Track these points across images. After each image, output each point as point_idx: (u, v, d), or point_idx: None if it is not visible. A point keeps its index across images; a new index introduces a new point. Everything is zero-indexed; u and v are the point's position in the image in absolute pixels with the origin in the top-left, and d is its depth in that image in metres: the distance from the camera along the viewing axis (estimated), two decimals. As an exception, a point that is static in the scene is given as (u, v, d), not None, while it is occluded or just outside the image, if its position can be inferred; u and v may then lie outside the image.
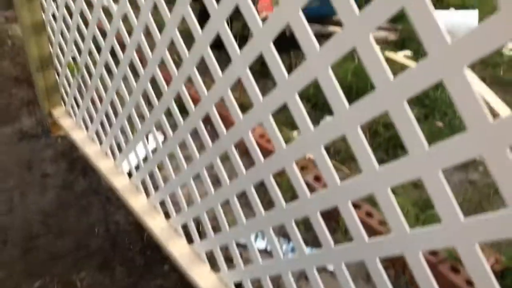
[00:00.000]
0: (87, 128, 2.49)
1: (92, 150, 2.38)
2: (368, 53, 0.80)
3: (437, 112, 3.07)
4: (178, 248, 1.75)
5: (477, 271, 0.79)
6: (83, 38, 2.11)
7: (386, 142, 2.73)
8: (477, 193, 2.47)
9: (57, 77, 2.67)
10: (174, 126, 1.60)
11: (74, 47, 2.26)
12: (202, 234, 1.92)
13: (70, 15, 2.15)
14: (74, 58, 2.31)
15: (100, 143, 2.38)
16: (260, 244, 2.04)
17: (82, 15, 2.03)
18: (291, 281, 1.36)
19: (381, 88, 0.81)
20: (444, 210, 0.80)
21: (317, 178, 2.26)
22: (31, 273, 1.89)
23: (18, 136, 2.80)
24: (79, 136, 2.51)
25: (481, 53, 0.65)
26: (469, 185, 2.57)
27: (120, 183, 2.13)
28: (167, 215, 1.93)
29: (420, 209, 2.18)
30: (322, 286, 1.25)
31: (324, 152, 1.02)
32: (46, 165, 2.54)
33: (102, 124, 2.28)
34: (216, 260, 1.64)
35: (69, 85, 2.51)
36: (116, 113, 2.07)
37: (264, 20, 1.01)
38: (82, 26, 2.08)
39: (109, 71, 1.99)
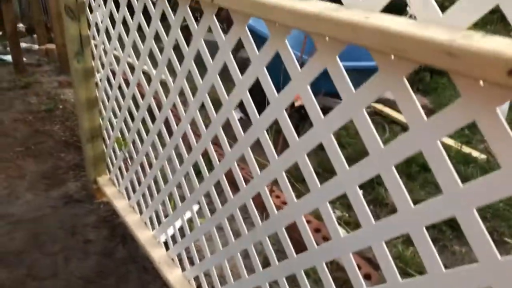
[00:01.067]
0: (129, 197, 2.66)
1: (132, 219, 2.53)
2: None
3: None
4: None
5: None
6: (132, 118, 2.32)
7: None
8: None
9: (104, 148, 2.89)
10: (211, 204, 1.74)
11: (123, 124, 2.47)
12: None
13: (123, 96, 2.38)
14: (122, 134, 2.52)
15: (141, 213, 2.53)
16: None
17: (134, 98, 2.25)
18: None
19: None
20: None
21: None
22: None
23: (64, 200, 3.00)
24: (121, 204, 2.67)
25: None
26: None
27: (157, 254, 2.25)
28: (200, 290, 2.03)
29: None
30: None
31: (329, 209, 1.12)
32: (89, 231, 2.70)
33: (143, 196, 2.44)
34: None
35: (115, 156, 2.72)
36: (157, 187, 2.24)
37: (298, 107, 1.15)
38: (133, 107, 2.29)
39: (154, 147, 2.18)
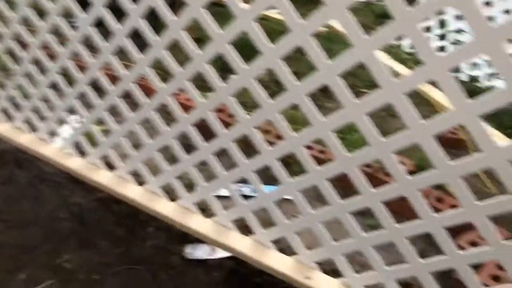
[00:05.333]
0: (9, 118, 2.37)
1: (24, 139, 2.29)
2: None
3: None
4: (164, 207, 1.89)
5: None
6: None
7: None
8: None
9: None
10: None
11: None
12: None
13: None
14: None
15: (34, 130, 2.29)
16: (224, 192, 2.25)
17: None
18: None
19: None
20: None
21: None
22: (10, 268, 1.85)
23: None
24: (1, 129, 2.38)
25: None
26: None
27: (74, 164, 2.13)
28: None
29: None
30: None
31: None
32: (-34, 167, 2.36)
33: (36, 111, 2.22)
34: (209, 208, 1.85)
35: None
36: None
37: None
38: None
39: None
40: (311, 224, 1.59)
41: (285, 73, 1.38)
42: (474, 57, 1.13)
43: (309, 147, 2.42)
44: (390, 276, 1.51)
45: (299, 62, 1.84)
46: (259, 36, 1.37)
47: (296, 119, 2.58)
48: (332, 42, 3.86)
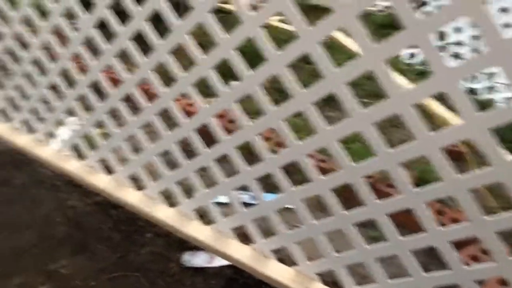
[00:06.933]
0: (7, 119, 2.34)
1: (23, 140, 2.26)
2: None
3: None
4: (163, 213, 1.86)
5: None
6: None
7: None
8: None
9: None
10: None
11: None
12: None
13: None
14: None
15: (32, 131, 2.26)
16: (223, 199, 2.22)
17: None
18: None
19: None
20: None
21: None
22: (3, 273, 1.81)
23: None
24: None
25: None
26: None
27: (72, 166, 2.10)
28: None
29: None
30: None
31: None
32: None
33: (34, 112, 2.19)
34: (208, 214, 1.81)
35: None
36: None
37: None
38: None
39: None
40: (313, 235, 1.57)
41: (291, 81, 1.36)
42: (486, 68, 1.10)
43: (310, 156, 2.40)
44: (392, 289, 1.48)
45: (300, 71, 1.80)
46: (265, 43, 1.35)
47: (298, 128, 2.57)
48: (334, 51, 3.88)
